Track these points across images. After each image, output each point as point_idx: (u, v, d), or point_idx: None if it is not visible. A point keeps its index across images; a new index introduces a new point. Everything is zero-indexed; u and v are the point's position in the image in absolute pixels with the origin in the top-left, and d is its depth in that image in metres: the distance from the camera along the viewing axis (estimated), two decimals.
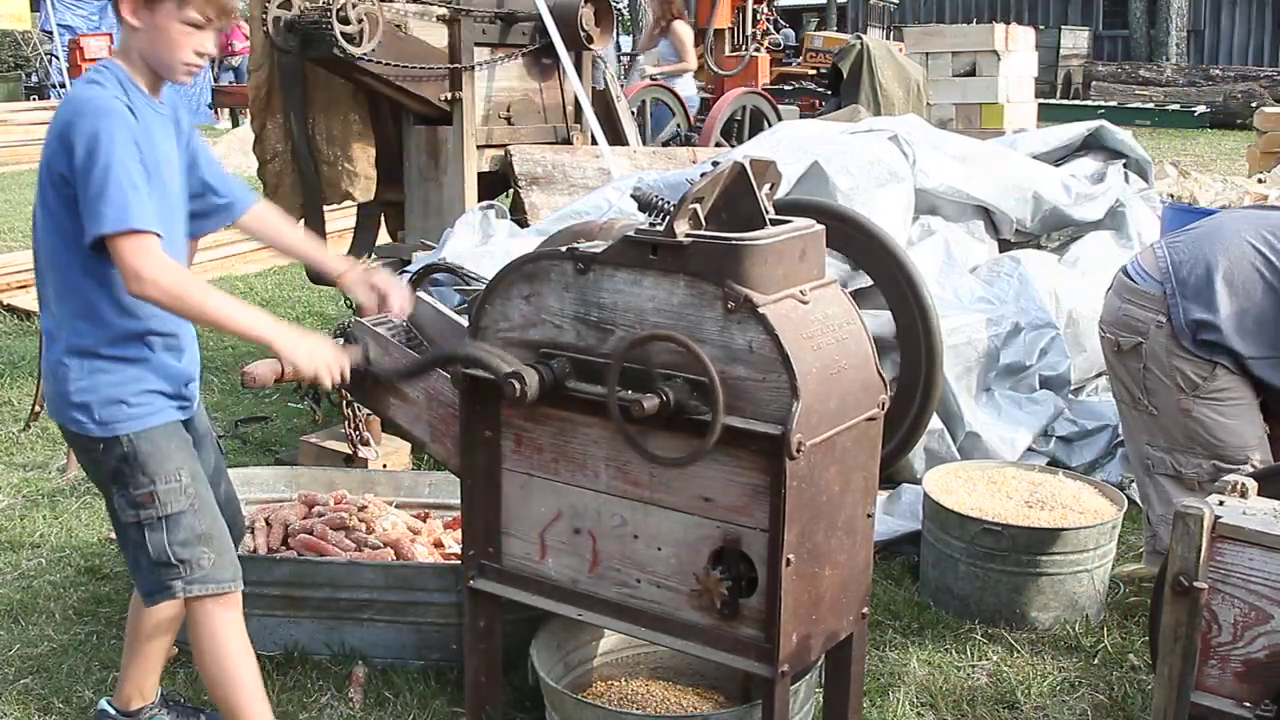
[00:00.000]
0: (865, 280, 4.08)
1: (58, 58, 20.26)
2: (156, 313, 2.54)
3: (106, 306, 2.51)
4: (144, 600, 2.70)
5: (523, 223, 5.73)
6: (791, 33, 19.36)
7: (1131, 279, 3.50)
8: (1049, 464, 4.44)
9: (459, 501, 2.83)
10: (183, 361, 2.65)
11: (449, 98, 5.81)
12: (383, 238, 6.62)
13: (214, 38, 2.54)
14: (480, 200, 5.81)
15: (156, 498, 2.57)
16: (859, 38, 13.24)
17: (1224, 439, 3.33)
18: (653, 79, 10.59)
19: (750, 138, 8.06)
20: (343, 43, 5.11)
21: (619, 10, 25.45)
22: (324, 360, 2.61)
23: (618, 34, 20.42)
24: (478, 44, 5.91)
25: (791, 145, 5.01)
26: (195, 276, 2.53)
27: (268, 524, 3.57)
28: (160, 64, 2.53)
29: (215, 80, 19.92)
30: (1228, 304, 3.29)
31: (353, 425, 4.16)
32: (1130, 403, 3.52)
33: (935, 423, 4.22)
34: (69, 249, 2.48)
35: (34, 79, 21.96)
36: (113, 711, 2.94)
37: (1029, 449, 4.55)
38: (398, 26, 5.53)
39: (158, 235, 2.41)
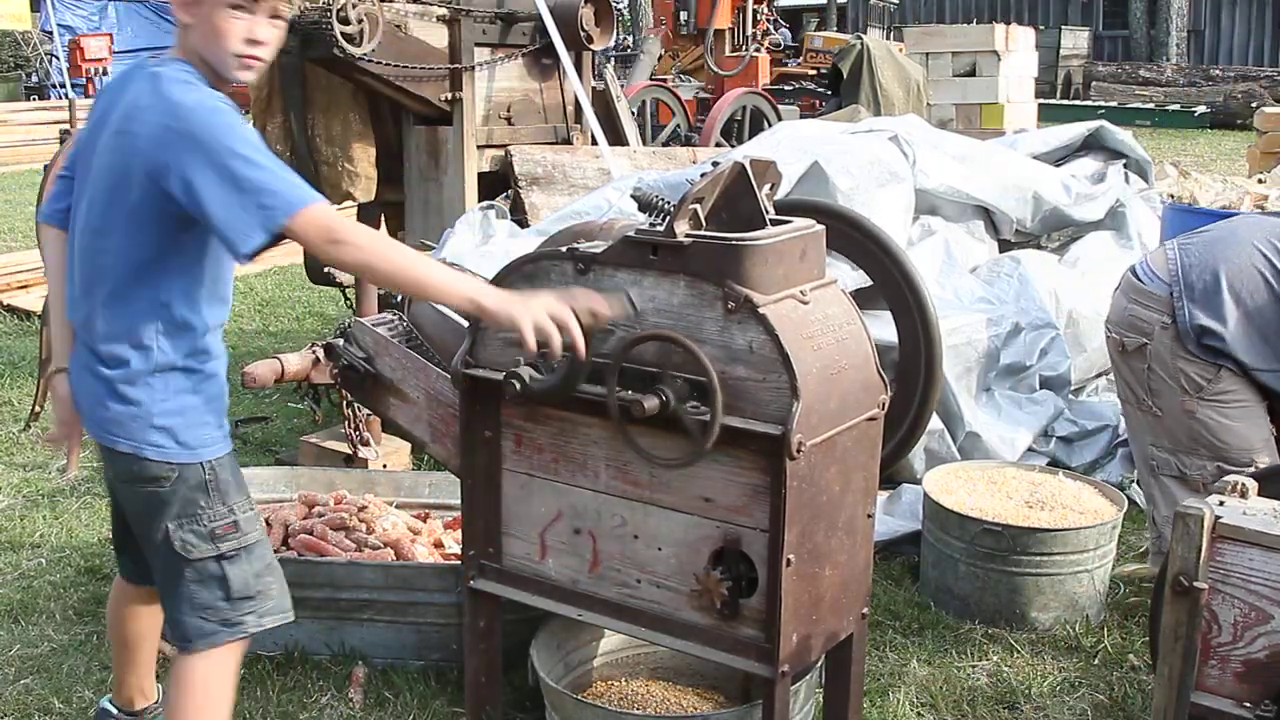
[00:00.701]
0: (865, 280, 4.08)
1: (58, 58, 20.27)
2: (219, 309, 2.46)
3: (192, 315, 2.38)
4: (199, 644, 2.45)
5: (523, 223, 5.73)
6: (788, 32, 19.33)
7: (1139, 279, 3.49)
8: (1049, 464, 4.44)
9: (459, 502, 2.84)
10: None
11: (449, 98, 5.82)
12: None
13: (266, 24, 2.37)
14: (480, 200, 5.81)
15: (239, 526, 2.44)
16: (859, 38, 13.26)
17: (1228, 441, 3.32)
18: None
19: (750, 138, 8.07)
20: (343, 43, 5.12)
21: (619, 10, 25.45)
22: (558, 313, 2.27)
23: (618, 34, 20.43)
24: (478, 44, 5.91)
25: (791, 145, 5.01)
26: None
27: (268, 524, 3.56)
28: (215, 59, 2.34)
29: None
30: (1233, 313, 3.28)
31: (353, 425, 4.16)
32: (1135, 403, 3.52)
33: (935, 423, 4.21)
34: (162, 264, 2.33)
35: (34, 79, 21.96)
36: (115, 711, 2.93)
37: (1029, 449, 4.55)
38: (398, 27, 5.53)
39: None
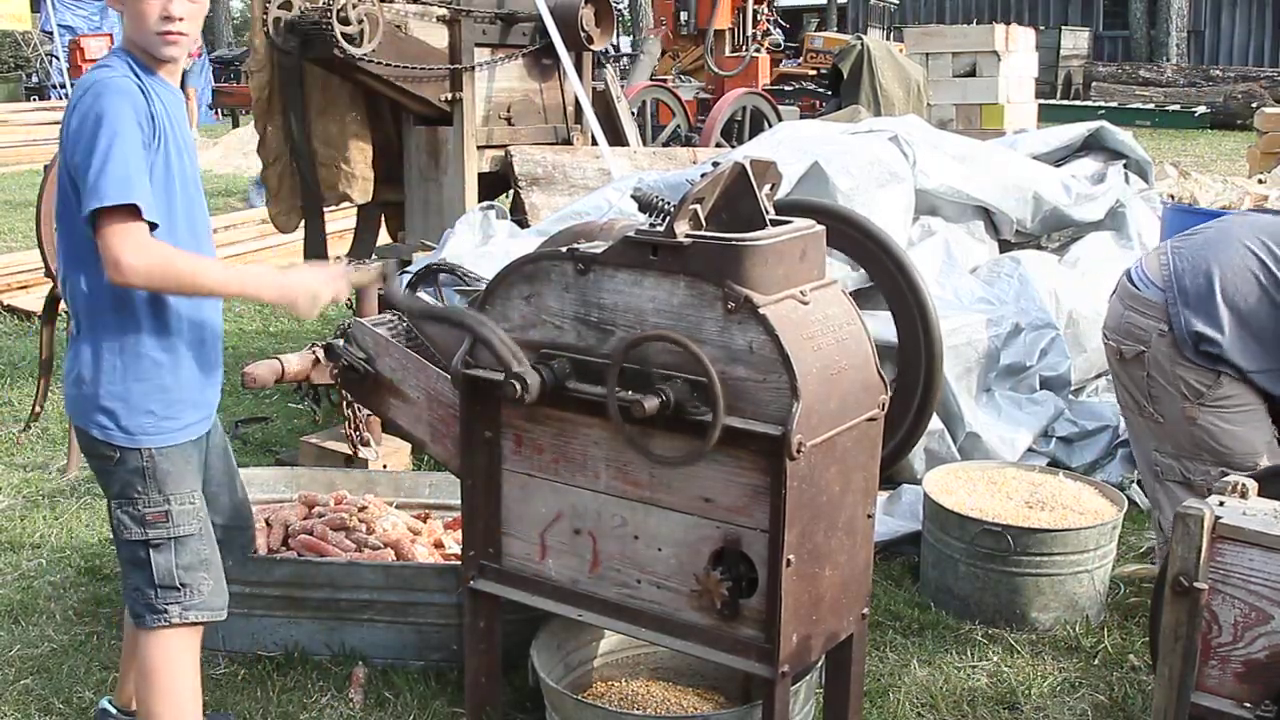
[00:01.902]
0: (865, 280, 4.08)
1: (58, 58, 20.25)
2: (195, 309, 2.54)
3: (139, 295, 2.45)
4: (134, 622, 2.60)
5: (523, 223, 5.74)
6: (781, 34, 19.26)
7: (1134, 285, 3.47)
8: (1049, 464, 4.44)
9: (459, 502, 2.84)
10: (211, 375, 2.62)
11: (449, 98, 5.82)
12: (383, 238, 6.63)
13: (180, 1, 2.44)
14: (480, 200, 5.81)
15: (170, 517, 2.50)
16: (859, 38, 13.27)
17: (1230, 446, 3.30)
18: None
19: (750, 138, 8.07)
20: (343, 43, 5.12)
21: (619, 10, 25.45)
22: (316, 292, 2.58)
23: (618, 34, 20.41)
24: (478, 44, 5.91)
25: (792, 146, 5.02)
26: (177, 250, 2.43)
27: (268, 524, 3.57)
28: (142, 41, 2.45)
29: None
30: (1227, 317, 3.26)
31: (353, 426, 4.16)
32: (1135, 410, 3.50)
33: (935, 423, 4.21)
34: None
35: (34, 79, 21.95)
36: (114, 711, 2.93)
37: (1029, 449, 4.55)
38: (398, 27, 5.53)
39: (148, 223, 2.34)
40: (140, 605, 2.54)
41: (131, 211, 2.31)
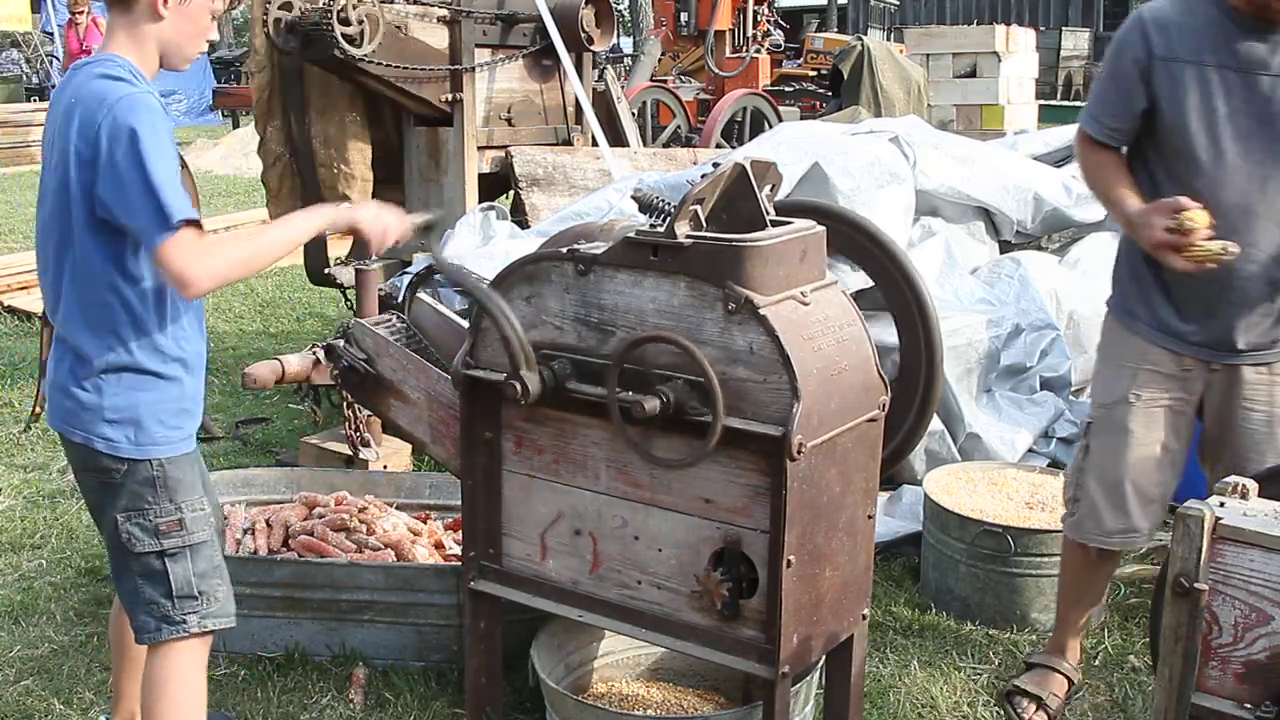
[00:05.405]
0: (865, 281, 4.08)
1: (58, 59, 20.25)
2: (197, 328, 2.50)
3: (153, 321, 2.40)
4: (144, 637, 2.51)
5: (523, 224, 5.73)
6: (782, 35, 19.23)
7: None
8: (1050, 465, 4.44)
9: (460, 503, 2.84)
10: (200, 385, 2.57)
11: (449, 99, 5.81)
12: None
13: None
14: (481, 201, 5.81)
15: (184, 525, 2.46)
16: (859, 39, 13.26)
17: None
18: None
19: (751, 139, 8.07)
20: (343, 44, 5.12)
21: (619, 11, 25.43)
22: (386, 221, 2.60)
23: (618, 34, 20.38)
24: (478, 45, 5.91)
25: (792, 146, 5.02)
26: (223, 237, 2.37)
27: (268, 525, 3.57)
28: (176, 54, 2.44)
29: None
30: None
31: (353, 426, 4.16)
32: None
33: (936, 424, 4.21)
34: (111, 262, 2.35)
35: (34, 80, 21.94)
36: None
37: (1030, 450, 4.55)
38: (398, 28, 5.53)
39: (197, 224, 2.29)
40: (154, 618, 2.48)
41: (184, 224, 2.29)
